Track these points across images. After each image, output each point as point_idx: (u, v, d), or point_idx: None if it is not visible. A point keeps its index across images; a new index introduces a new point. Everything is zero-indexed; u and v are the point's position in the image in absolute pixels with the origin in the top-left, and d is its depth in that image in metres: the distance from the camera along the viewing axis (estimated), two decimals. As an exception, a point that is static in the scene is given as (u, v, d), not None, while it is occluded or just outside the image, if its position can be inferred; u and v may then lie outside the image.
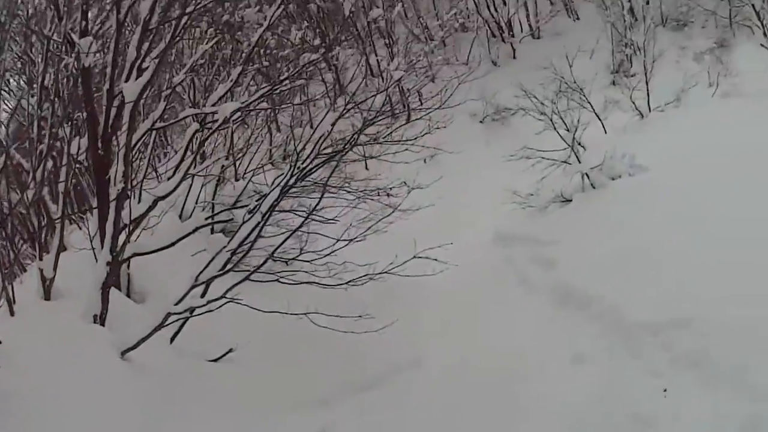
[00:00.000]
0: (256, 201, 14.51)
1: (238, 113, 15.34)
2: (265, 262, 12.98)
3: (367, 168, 20.50)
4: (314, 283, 14.19)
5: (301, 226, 14.44)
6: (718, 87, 26.88)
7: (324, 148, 15.22)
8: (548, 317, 13.55)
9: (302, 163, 14.40)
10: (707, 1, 45.17)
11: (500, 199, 21.09)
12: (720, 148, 17.18)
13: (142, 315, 12.80)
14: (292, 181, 14.07)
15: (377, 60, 37.45)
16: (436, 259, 15.67)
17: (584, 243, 15.73)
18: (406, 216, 18.26)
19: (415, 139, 19.90)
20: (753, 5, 27.84)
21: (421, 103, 26.09)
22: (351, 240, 15.31)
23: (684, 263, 11.95)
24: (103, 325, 11.26)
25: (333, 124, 14.91)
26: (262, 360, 13.75)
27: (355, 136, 16.35)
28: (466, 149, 29.39)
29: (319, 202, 14.65)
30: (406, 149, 19.86)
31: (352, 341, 13.56)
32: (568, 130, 20.03)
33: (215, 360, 13.25)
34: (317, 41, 23.89)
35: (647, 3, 41.67)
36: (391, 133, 19.81)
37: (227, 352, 13.29)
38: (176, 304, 11.58)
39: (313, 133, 15.16)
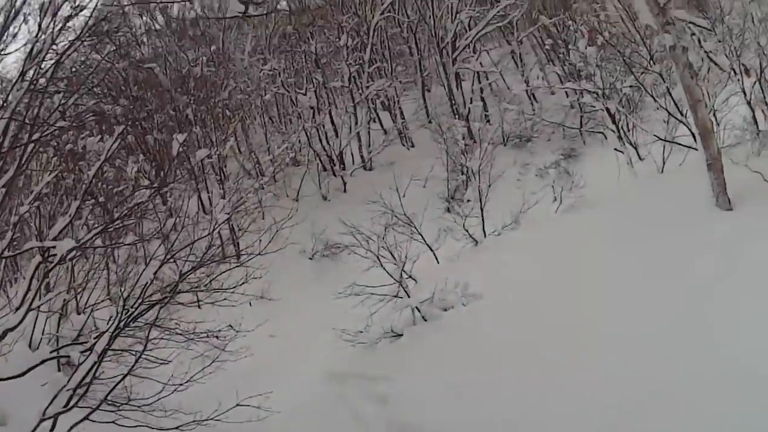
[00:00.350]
0: (93, 339, 14.40)
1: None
2: (97, 407, 12.73)
3: (200, 308, 20.41)
4: (146, 426, 14.03)
5: (132, 369, 14.27)
6: (563, 202, 27.23)
7: (150, 294, 15.14)
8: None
9: (130, 307, 14.32)
10: (553, 113, 46.60)
11: (331, 337, 20.90)
12: (555, 270, 17.90)
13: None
14: (122, 324, 13.97)
15: (209, 197, 37.58)
16: (258, 407, 15.56)
17: (416, 378, 15.92)
18: (234, 357, 18.29)
19: (236, 287, 19.49)
20: (608, 108, 28.51)
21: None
22: (181, 384, 15.24)
23: (513, 394, 12.34)
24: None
25: (155, 273, 14.87)
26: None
27: (179, 283, 16.24)
28: (297, 287, 29.60)
29: (146, 346, 14.54)
30: (233, 292, 19.78)
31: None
32: (395, 265, 20.29)
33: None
34: (153, 173, 23.94)
35: (488, 122, 42.89)
36: (216, 276, 19.57)
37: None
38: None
39: (138, 279, 15.12)
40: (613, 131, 29.60)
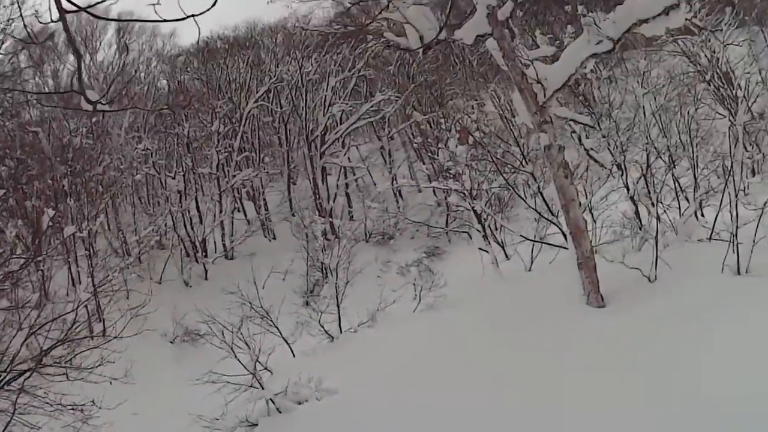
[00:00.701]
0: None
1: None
2: None
3: (68, 378, 20.24)
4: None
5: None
6: (422, 300, 27.28)
7: (19, 363, 15.08)
8: None
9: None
10: (419, 211, 47.08)
11: (188, 421, 20.48)
12: (409, 367, 18.33)
13: None
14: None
15: (78, 271, 37.20)
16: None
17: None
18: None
19: (93, 367, 19.42)
20: (474, 208, 28.85)
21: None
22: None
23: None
24: None
25: (23, 342, 14.86)
26: None
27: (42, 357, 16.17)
28: (158, 369, 29.43)
29: (14, 410, 14.49)
30: (90, 371, 19.62)
31: None
32: (250, 357, 20.42)
33: None
34: (30, 239, 23.70)
35: (351, 218, 43.21)
36: (80, 352, 19.45)
37: None
38: None
39: (7, 347, 15.09)
40: (479, 231, 29.87)
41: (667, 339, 14.01)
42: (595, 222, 22.97)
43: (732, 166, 17.30)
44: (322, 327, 26.37)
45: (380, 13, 18.51)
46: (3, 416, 16.43)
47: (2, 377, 14.31)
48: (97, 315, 31.84)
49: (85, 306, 20.39)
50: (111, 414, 19.00)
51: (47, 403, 17.39)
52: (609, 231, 22.78)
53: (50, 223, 16.47)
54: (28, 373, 15.48)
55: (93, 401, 18.59)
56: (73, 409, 18.16)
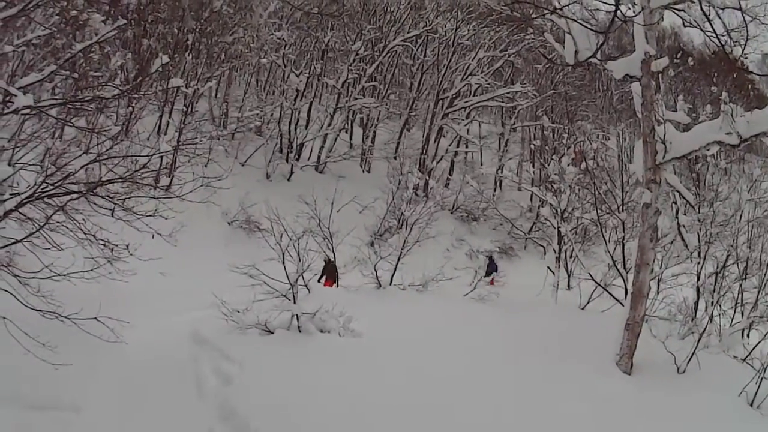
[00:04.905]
0: (10, 194, 14.41)
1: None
2: None
3: (113, 215, 20.22)
4: (14, 295, 13.96)
5: (26, 237, 14.28)
6: (476, 289, 27.09)
7: (73, 181, 15.06)
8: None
9: (50, 184, 14.27)
10: (509, 207, 49.44)
11: (210, 302, 20.39)
12: (436, 342, 18.65)
13: None
14: (36, 193, 13.95)
15: (168, 121, 37.50)
16: (112, 330, 15.85)
17: (265, 376, 16.28)
18: (119, 277, 18.34)
19: (145, 215, 18.90)
20: (559, 229, 28.69)
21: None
22: (59, 274, 15.20)
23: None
24: None
25: (84, 166, 14.84)
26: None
27: (95, 184, 16.06)
28: (204, 243, 29.70)
29: (48, 220, 14.59)
30: (151, 215, 19.35)
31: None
32: (296, 269, 20.29)
33: None
34: (133, 74, 23.74)
35: (446, 185, 43.05)
36: (136, 196, 19.22)
37: None
38: None
39: (68, 162, 15.09)
40: (554, 251, 29.97)
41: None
42: (657, 293, 22.63)
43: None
44: (375, 272, 26.36)
45: (550, 13, 18.26)
46: (29, 225, 16.63)
47: (48, 189, 14.33)
48: (169, 170, 32.02)
49: (161, 156, 20.21)
50: (139, 264, 19.04)
51: (81, 229, 17.52)
52: (665, 308, 22.44)
53: (159, 69, 16.33)
54: (75, 195, 15.47)
55: (127, 246, 18.60)
56: (104, 244, 18.10)
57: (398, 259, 27.41)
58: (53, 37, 19.80)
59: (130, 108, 30.31)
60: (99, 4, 18.68)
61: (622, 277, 24.83)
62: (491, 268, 26.95)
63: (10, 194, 14.58)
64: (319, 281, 27.40)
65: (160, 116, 37.82)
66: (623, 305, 19.45)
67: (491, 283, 26.16)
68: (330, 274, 28.78)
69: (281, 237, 20.72)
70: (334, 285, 28.16)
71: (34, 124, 20.65)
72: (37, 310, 13.61)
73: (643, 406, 15.61)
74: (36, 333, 12.60)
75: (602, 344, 17.99)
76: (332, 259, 28.63)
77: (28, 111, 14.43)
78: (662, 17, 18.13)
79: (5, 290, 13.08)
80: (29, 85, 14.46)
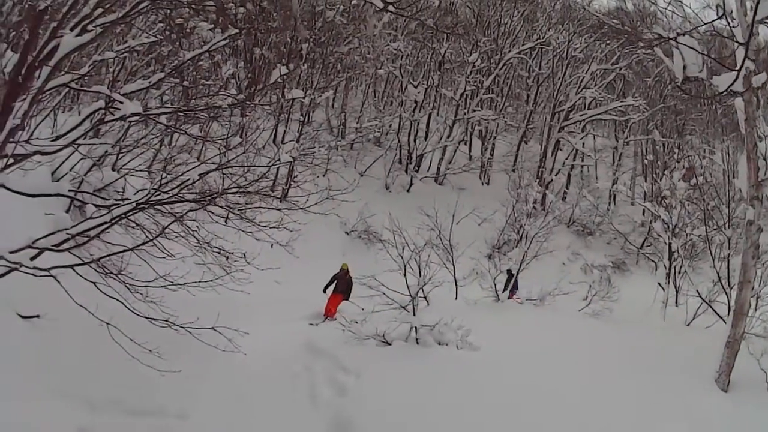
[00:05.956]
0: (114, 200, 14.38)
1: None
2: (88, 262, 12.61)
3: (226, 223, 20.16)
4: (122, 302, 13.83)
5: (139, 246, 14.16)
6: (591, 304, 26.86)
7: (189, 190, 14.92)
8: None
9: (164, 191, 14.13)
10: (623, 221, 48.36)
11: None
12: (552, 358, 17.85)
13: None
14: (150, 199, 13.82)
15: (284, 131, 37.74)
16: (230, 340, 15.44)
17: (382, 388, 15.89)
18: (234, 287, 18.11)
19: (268, 226, 18.63)
20: (670, 245, 28.70)
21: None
22: (173, 283, 15.06)
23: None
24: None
25: (201, 175, 14.71)
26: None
27: (215, 196, 15.93)
28: (321, 252, 29.57)
29: (163, 230, 14.47)
30: (274, 226, 19.30)
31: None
32: (416, 281, 20.04)
33: (23, 317, 12.91)
34: (244, 84, 23.90)
35: (563, 199, 42.83)
36: (253, 207, 19.13)
37: (34, 316, 12.98)
38: (11, 253, 11.28)
39: (182, 174, 14.95)
40: (665, 266, 29.99)
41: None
42: (755, 310, 22.03)
43: None
44: (494, 285, 25.98)
45: (666, 40, 17.82)
46: (137, 232, 16.61)
47: (163, 198, 14.21)
48: (286, 179, 32.13)
49: (277, 167, 20.14)
50: (254, 273, 18.99)
51: (195, 237, 17.50)
52: (763, 325, 21.83)
53: (279, 79, 16.19)
54: (195, 205, 15.37)
55: (244, 254, 18.52)
56: (219, 252, 18.11)
57: (517, 273, 27.08)
58: (158, 44, 19.89)
59: (245, 117, 30.50)
60: (206, 13, 18.61)
61: (726, 293, 24.61)
62: (513, 285, 26.33)
63: (116, 200, 14.54)
64: (324, 291, 25.54)
65: (276, 125, 37.89)
66: (725, 322, 19.19)
67: (510, 297, 25.70)
68: (341, 286, 25.74)
69: (403, 249, 20.56)
70: (343, 300, 25.49)
71: (139, 130, 20.78)
72: (147, 318, 13.45)
73: (738, 424, 15.14)
74: (142, 340, 12.47)
75: (703, 361, 17.47)
76: (348, 270, 25.99)
77: (136, 118, 14.37)
78: (758, 31, 17.62)
79: (113, 297, 12.94)
80: (135, 92, 14.42)
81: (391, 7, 10.24)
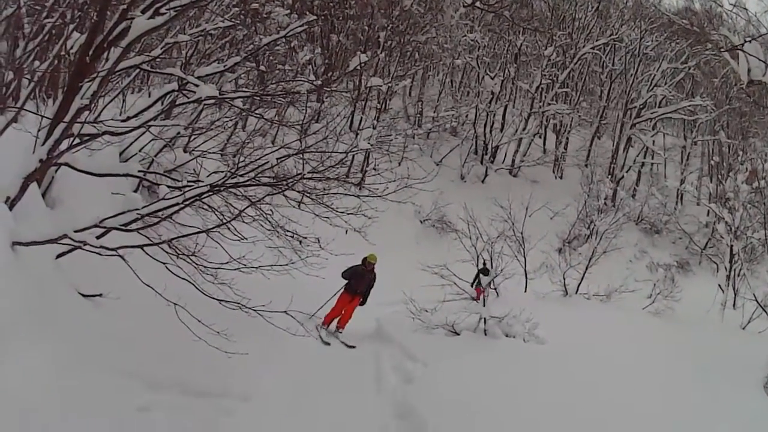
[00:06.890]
0: (187, 182, 14.49)
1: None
2: (158, 243, 12.67)
3: (299, 208, 20.16)
4: (192, 283, 13.87)
5: (212, 229, 14.24)
6: (654, 302, 26.67)
7: (263, 174, 14.93)
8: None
9: (239, 174, 14.17)
10: (689, 221, 48.38)
11: (397, 297, 20.81)
12: (615, 354, 17.90)
13: (47, 219, 12.65)
14: (224, 182, 13.85)
15: (361, 118, 37.80)
16: (302, 324, 15.90)
17: (448, 378, 15.88)
18: (306, 271, 18.12)
19: (345, 212, 19.00)
20: (731, 247, 28.65)
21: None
22: (245, 266, 15.11)
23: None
24: (10, 209, 11.13)
25: (280, 160, 14.75)
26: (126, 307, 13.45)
27: (293, 180, 15.92)
28: (395, 240, 29.59)
29: (239, 214, 14.53)
30: (340, 214, 19.28)
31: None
32: (486, 274, 20.19)
33: (84, 295, 13.04)
34: (321, 70, 23.98)
35: (632, 196, 42.66)
36: (330, 193, 19.12)
37: (97, 295, 13.07)
38: (76, 232, 11.39)
39: (260, 158, 15.02)
40: (726, 269, 30.10)
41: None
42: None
43: None
44: (564, 279, 25.94)
45: (734, 48, 17.64)
46: (207, 215, 16.75)
47: (239, 181, 14.26)
48: (361, 166, 32.25)
49: (353, 155, 20.20)
50: (330, 259, 19.19)
51: (268, 220, 17.63)
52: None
53: (358, 67, 16.22)
54: (271, 188, 15.41)
55: (318, 239, 18.59)
56: (293, 235, 18.36)
57: (586, 269, 27.00)
58: (233, 28, 20.00)
59: (322, 103, 30.62)
60: (282, -6, 18.86)
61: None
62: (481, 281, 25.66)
63: (188, 181, 14.66)
64: (343, 277, 21.25)
65: (352, 112, 37.98)
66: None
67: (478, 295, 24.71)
68: (359, 284, 20.99)
69: (477, 240, 20.52)
70: (358, 305, 21.19)
71: (213, 113, 20.92)
72: (218, 300, 13.49)
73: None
74: (210, 322, 12.53)
75: (755, 366, 17.34)
76: (375, 264, 21.23)
77: (211, 101, 14.48)
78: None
79: (183, 278, 13.01)
80: (209, 75, 14.52)
81: (478, 3, 10.31)
